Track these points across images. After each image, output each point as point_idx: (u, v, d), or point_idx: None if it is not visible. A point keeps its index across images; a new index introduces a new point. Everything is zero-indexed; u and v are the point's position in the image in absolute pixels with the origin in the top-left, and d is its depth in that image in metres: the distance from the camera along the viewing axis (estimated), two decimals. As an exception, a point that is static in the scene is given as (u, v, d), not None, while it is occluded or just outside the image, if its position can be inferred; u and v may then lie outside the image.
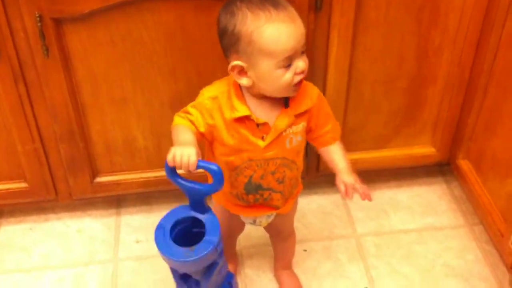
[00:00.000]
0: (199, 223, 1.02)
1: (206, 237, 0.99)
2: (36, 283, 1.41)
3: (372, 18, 1.26)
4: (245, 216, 1.20)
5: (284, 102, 1.05)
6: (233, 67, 0.99)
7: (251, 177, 1.09)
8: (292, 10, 0.96)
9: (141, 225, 1.55)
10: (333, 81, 1.34)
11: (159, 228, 1.01)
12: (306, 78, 1.03)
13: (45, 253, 1.48)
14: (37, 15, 1.12)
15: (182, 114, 1.05)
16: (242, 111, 1.02)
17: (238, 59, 0.98)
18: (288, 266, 1.41)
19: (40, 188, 1.43)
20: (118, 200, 1.60)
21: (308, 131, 1.11)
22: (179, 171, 0.98)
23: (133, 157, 1.42)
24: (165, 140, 1.38)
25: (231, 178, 1.09)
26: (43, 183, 1.42)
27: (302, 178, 1.22)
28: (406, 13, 1.27)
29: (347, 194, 1.10)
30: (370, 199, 1.10)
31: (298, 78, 0.98)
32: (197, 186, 1.00)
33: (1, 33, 1.16)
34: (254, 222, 1.21)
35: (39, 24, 1.13)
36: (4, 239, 1.52)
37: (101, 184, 1.45)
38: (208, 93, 1.05)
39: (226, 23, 0.96)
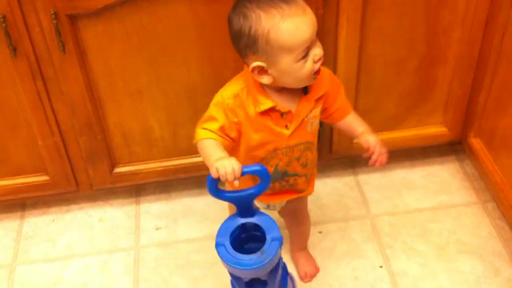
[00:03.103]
0: (245, 228, 1.04)
1: (269, 236, 1.00)
2: (62, 272, 1.46)
3: (380, 1, 1.28)
4: (259, 201, 1.23)
5: (302, 89, 1.07)
6: (254, 68, 1.00)
7: (277, 165, 1.12)
8: (300, 1, 0.97)
9: (161, 212, 1.59)
10: (343, 65, 1.35)
11: (220, 246, 1.00)
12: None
13: (69, 243, 1.53)
14: (52, 12, 1.15)
15: (205, 126, 1.04)
16: (267, 103, 1.03)
17: (257, 60, 0.98)
18: (304, 248, 1.44)
19: (61, 180, 1.47)
20: (137, 189, 1.63)
21: (323, 110, 1.13)
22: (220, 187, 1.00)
23: (151, 147, 1.45)
24: (181, 129, 1.42)
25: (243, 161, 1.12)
26: (64, 175, 1.46)
27: (316, 161, 1.24)
28: (414, -6, 1.28)
29: (374, 160, 1.10)
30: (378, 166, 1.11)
31: (317, 65, 1.00)
32: (245, 193, 1.00)
33: (18, 31, 1.18)
34: (268, 207, 1.24)
35: (54, 21, 1.16)
36: (28, 230, 1.57)
37: (120, 174, 1.49)
38: (226, 92, 1.05)
39: (241, 26, 0.97)
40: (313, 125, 1.11)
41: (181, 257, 1.47)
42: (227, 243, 1.00)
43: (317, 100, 1.09)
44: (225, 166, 0.94)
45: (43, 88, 1.29)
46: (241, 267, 0.98)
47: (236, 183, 0.95)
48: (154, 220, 1.57)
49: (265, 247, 0.99)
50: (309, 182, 1.21)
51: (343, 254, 1.46)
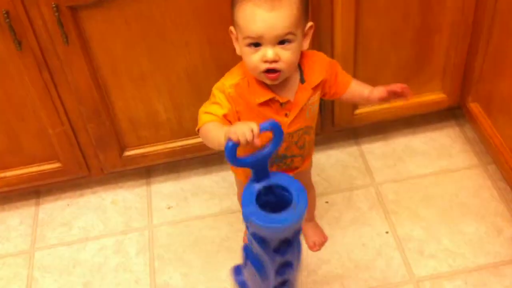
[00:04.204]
0: (264, 193, 1.02)
1: (293, 191, 0.99)
2: (79, 254, 1.52)
3: (373, -25, 1.30)
4: None
5: (300, 78, 1.09)
6: (230, 31, 1.05)
7: (276, 151, 1.15)
8: (283, 1, 0.96)
9: (171, 192, 1.64)
10: (340, 40, 1.38)
11: (251, 214, 0.97)
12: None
13: (84, 226, 1.58)
14: (53, 5, 1.18)
15: (209, 110, 1.05)
16: (266, 95, 1.06)
17: (233, 24, 1.04)
18: (312, 218, 1.49)
19: (73, 166, 1.52)
20: (147, 170, 1.68)
21: (325, 94, 1.16)
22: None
23: (157, 129, 1.49)
24: (186, 111, 1.45)
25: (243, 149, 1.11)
26: (75, 162, 1.51)
27: (318, 135, 1.27)
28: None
29: (402, 92, 1.09)
30: (408, 96, 1.10)
31: (264, 66, 1.00)
32: (260, 154, 0.99)
33: (21, 25, 1.21)
34: None
35: (56, 13, 1.19)
36: (44, 216, 1.62)
37: (130, 158, 1.53)
38: (228, 81, 1.08)
39: None
40: (311, 111, 1.14)
41: (193, 234, 1.52)
42: (256, 209, 0.98)
43: (315, 88, 1.11)
44: (242, 127, 0.92)
45: (49, 79, 1.32)
46: (282, 224, 0.96)
47: (257, 141, 0.93)
48: (165, 200, 1.62)
49: (295, 200, 0.98)
50: (304, 159, 1.23)
51: (349, 222, 1.51)
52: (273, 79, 1.02)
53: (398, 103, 1.52)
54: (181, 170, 1.68)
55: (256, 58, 1.00)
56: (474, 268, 1.38)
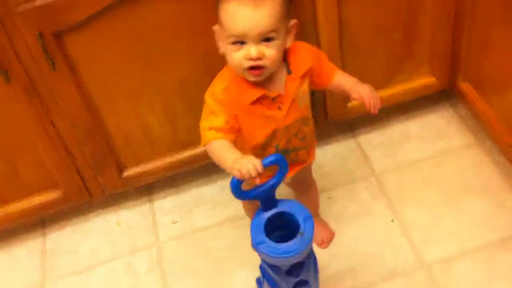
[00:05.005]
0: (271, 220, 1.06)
1: (300, 217, 1.03)
2: (91, 281, 1.51)
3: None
4: None
5: (286, 70, 1.10)
6: (214, 30, 1.05)
7: (277, 146, 1.15)
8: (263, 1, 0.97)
9: (174, 206, 1.63)
10: (325, 34, 1.38)
11: (260, 244, 1.02)
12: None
13: (91, 251, 1.58)
14: (37, 33, 1.18)
15: (210, 124, 1.06)
16: (256, 93, 1.07)
17: (217, 23, 1.04)
18: (316, 215, 1.48)
19: (74, 192, 1.51)
20: (148, 188, 1.67)
21: (312, 83, 1.17)
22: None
23: (153, 145, 1.49)
24: (180, 121, 1.45)
25: (258, 156, 1.09)
26: (75, 187, 1.50)
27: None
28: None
29: (369, 105, 1.11)
30: (375, 111, 1.11)
31: (247, 63, 1.01)
32: (269, 184, 1.02)
33: (6, 55, 1.21)
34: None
35: (40, 41, 1.19)
36: (52, 246, 1.61)
37: (129, 177, 1.53)
38: (217, 87, 1.08)
39: None
40: (303, 101, 1.14)
41: (201, 245, 1.52)
42: (265, 238, 1.02)
43: (302, 77, 1.12)
44: (246, 165, 0.95)
45: (40, 106, 1.32)
46: (289, 255, 1.01)
47: (258, 180, 0.97)
48: (169, 215, 1.62)
49: (302, 227, 1.02)
50: (309, 152, 1.25)
51: (354, 215, 1.51)
52: (256, 75, 1.03)
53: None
54: (181, 183, 1.68)
55: (240, 56, 1.01)
56: (482, 245, 1.38)
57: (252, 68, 1.02)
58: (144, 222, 1.62)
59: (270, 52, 1.01)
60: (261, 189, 1.03)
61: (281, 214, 1.06)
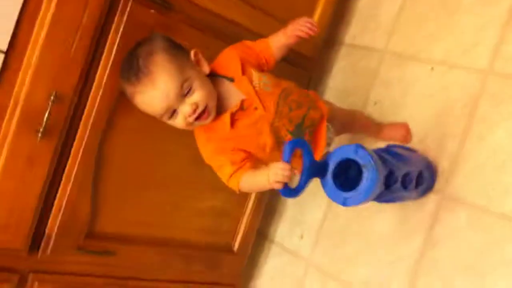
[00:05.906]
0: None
1: (352, 155, 1.03)
2: None
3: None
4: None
5: (228, 81, 1.09)
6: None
7: (288, 131, 1.12)
8: (155, 71, 0.99)
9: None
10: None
11: (345, 202, 1.04)
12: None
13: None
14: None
15: (227, 172, 1.08)
16: (225, 118, 1.07)
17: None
18: (378, 125, 1.42)
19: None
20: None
21: (263, 65, 1.15)
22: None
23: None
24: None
25: (275, 153, 1.11)
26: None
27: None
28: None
29: (305, 35, 1.12)
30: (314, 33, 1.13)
31: (191, 118, 1.03)
32: (305, 169, 1.02)
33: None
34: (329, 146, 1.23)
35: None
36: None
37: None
38: (202, 148, 1.11)
39: None
40: (268, 83, 1.11)
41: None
42: (345, 194, 1.04)
43: (244, 71, 1.09)
44: (275, 174, 0.97)
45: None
46: (371, 190, 1.03)
47: (296, 171, 0.99)
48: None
49: (360, 161, 1.03)
50: (317, 105, 1.19)
51: (402, 94, 1.44)
52: (207, 118, 1.05)
53: None
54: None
55: (181, 121, 1.04)
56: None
57: (198, 117, 1.04)
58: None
59: (197, 96, 1.03)
60: (304, 175, 1.02)
61: (337, 167, 1.06)
